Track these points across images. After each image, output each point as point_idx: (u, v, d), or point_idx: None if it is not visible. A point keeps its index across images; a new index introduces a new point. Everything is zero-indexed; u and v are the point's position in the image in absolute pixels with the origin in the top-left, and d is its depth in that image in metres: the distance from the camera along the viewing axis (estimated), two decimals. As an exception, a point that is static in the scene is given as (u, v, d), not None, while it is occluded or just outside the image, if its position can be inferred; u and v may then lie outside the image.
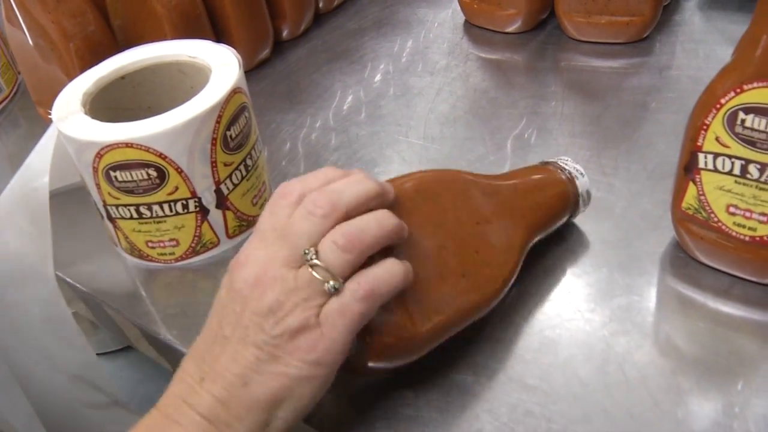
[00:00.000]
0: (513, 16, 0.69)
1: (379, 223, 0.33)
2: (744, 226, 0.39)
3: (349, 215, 0.32)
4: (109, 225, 0.47)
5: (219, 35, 0.67)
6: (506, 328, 0.40)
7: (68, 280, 0.49)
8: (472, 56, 0.69)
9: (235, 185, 0.47)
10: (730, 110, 0.36)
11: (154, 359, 0.49)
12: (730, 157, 0.37)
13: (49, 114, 0.45)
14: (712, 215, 0.40)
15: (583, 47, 0.66)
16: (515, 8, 0.68)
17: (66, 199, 0.50)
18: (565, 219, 0.44)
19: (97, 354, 0.55)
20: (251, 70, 0.71)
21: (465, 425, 0.36)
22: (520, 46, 0.69)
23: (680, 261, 0.43)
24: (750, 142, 0.36)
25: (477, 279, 0.37)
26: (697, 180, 0.39)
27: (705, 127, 0.38)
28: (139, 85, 0.50)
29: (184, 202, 0.45)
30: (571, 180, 0.43)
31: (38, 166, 0.46)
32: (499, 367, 0.38)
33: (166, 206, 0.44)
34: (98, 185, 0.44)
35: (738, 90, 0.36)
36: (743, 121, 0.36)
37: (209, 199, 0.45)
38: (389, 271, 0.32)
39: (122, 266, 0.50)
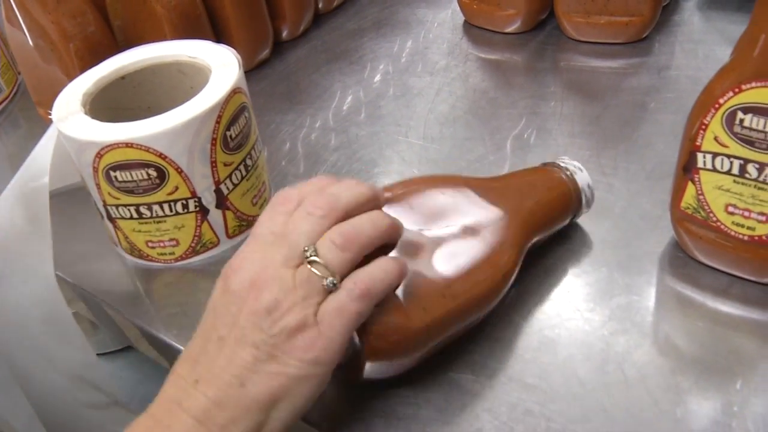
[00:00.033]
0: (512, 17, 0.69)
1: (373, 222, 0.34)
2: (743, 226, 0.39)
3: (346, 216, 0.34)
4: (109, 225, 0.47)
5: (219, 36, 0.67)
6: (506, 328, 0.40)
7: (68, 280, 0.49)
8: (471, 56, 0.69)
9: (235, 185, 0.47)
10: (729, 110, 0.36)
11: (154, 359, 0.49)
12: (728, 156, 0.37)
13: (49, 114, 0.45)
14: (711, 215, 0.40)
15: (583, 47, 0.66)
16: (515, 8, 0.68)
17: (66, 199, 0.50)
18: (568, 219, 0.44)
19: (97, 354, 0.55)
20: (251, 71, 0.71)
21: (464, 424, 0.36)
22: (520, 47, 0.69)
23: (679, 260, 0.43)
24: (748, 142, 0.36)
25: (475, 278, 0.37)
26: (696, 180, 0.39)
27: (704, 126, 0.38)
28: (139, 85, 0.50)
29: (184, 202, 0.45)
30: (571, 178, 0.43)
31: (38, 166, 0.46)
32: (498, 366, 0.38)
33: (166, 206, 0.45)
34: (98, 185, 0.44)
35: (736, 90, 0.36)
36: (742, 120, 0.36)
37: (209, 199, 0.46)
38: (384, 269, 0.33)
39: (122, 266, 0.50)
